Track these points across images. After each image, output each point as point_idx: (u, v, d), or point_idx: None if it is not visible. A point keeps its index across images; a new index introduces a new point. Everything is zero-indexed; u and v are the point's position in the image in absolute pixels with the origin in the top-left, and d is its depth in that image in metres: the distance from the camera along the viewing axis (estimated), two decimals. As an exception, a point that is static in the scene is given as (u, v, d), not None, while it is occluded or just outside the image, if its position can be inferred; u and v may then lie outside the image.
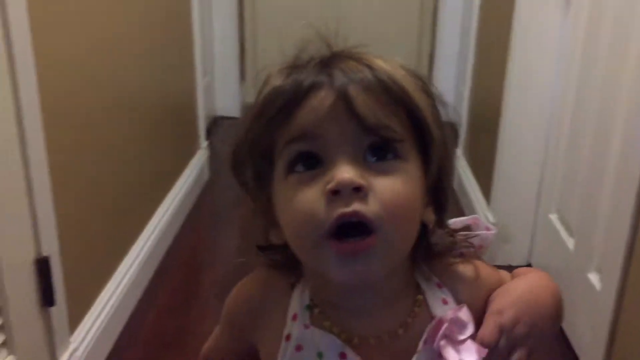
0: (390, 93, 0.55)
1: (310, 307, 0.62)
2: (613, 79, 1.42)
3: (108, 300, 1.58)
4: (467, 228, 0.65)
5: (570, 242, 1.66)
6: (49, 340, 1.30)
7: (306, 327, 0.61)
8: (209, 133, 2.85)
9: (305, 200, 0.53)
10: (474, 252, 0.64)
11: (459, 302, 0.61)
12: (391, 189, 0.53)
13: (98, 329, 1.50)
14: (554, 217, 1.81)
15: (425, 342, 0.58)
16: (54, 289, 1.28)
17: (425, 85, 0.59)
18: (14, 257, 1.16)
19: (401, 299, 0.61)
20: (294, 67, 0.57)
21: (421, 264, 0.62)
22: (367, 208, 0.52)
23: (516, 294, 0.62)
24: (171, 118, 2.22)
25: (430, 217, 0.60)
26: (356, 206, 0.52)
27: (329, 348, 0.59)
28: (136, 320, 1.70)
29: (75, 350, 1.38)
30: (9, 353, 1.16)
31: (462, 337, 0.58)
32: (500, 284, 0.65)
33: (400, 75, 0.56)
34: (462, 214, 2.26)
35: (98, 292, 1.55)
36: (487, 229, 0.65)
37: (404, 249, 0.57)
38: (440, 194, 0.60)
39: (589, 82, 1.57)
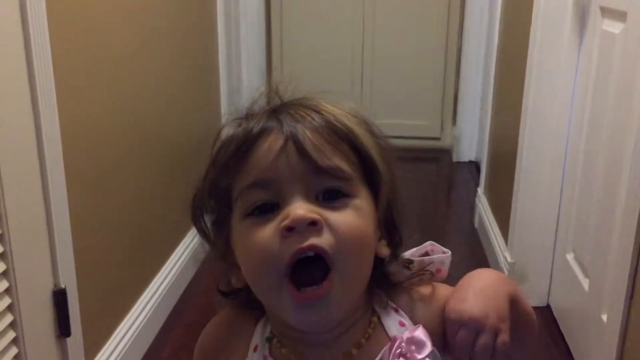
0: (336, 132, 0.58)
1: (269, 339, 0.64)
2: (621, 120, 1.43)
3: (125, 334, 1.61)
4: (425, 254, 0.66)
5: (585, 283, 1.65)
6: (64, 371, 1.34)
7: (264, 358, 0.63)
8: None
9: (260, 239, 0.56)
10: (432, 277, 0.65)
11: (416, 323, 0.62)
12: (344, 221, 0.56)
13: (114, 361, 1.54)
14: (570, 257, 1.80)
15: None
16: (70, 320, 1.32)
17: (370, 126, 0.63)
18: (32, 287, 1.21)
19: (356, 323, 0.62)
20: (245, 117, 0.61)
21: (377, 291, 0.64)
22: (323, 241, 0.55)
23: (471, 289, 0.62)
24: (194, 158, 2.28)
25: (384, 250, 0.62)
26: (312, 240, 0.54)
27: None
28: (152, 355, 1.73)
29: (90, 381, 1.42)
30: (24, 382, 1.20)
31: (419, 357, 0.59)
32: (445, 297, 0.65)
33: (345, 116, 0.60)
34: (482, 252, 2.25)
35: (115, 326, 1.59)
36: (443, 252, 0.66)
37: (360, 285, 0.59)
38: (391, 228, 0.62)
39: (600, 123, 1.58)
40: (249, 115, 0.61)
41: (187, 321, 1.89)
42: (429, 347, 0.59)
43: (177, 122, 2.08)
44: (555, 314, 1.92)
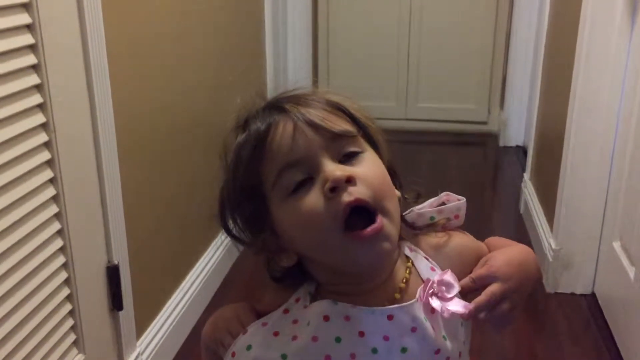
0: (333, 106, 0.68)
1: (312, 295, 0.71)
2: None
3: (174, 308, 1.68)
4: (442, 204, 0.74)
5: (631, 272, 1.63)
6: (117, 343, 1.41)
7: (305, 307, 0.69)
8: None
9: (310, 205, 0.63)
10: (449, 222, 0.73)
11: (443, 268, 0.70)
12: (368, 172, 0.65)
13: (163, 336, 1.60)
14: (617, 245, 1.77)
15: (418, 300, 0.68)
16: (123, 294, 1.38)
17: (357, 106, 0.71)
18: (87, 263, 1.28)
19: (395, 270, 0.70)
20: (245, 122, 0.70)
21: (407, 241, 0.72)
22: (363, 193, 0.63)
23: (515, 262, 0.71)
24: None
25: (397, 193, 0.70)
26: (357, 194, 0.63)
27: (315, 314, 0.68)
28: (199, 332, 1.78)
29: (140, 353, 1.49)
30: (79, 352, 1.27)
31: (449, 296, 0.67)
32: (475, 247, 0.75)
33: (335, 94, 0.70)
34: (526, 238, 2.23)
35: (165, 301, 1.66)
36: (458, 199, 0.74)
37: (397, 221, 0.67)
38: (394, 175, 0.72)
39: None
40: (249, 118, 0.69)
41: (234, 297, 1.95)
42: (457, 288, 0.67)
43: (225, 102, 2.12)
44: (600, 302, 1.90)
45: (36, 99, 1.10)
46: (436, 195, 0.75)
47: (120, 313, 1.39)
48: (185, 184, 1.78)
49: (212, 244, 2.01)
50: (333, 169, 0.63)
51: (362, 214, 0.63)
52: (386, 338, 0.67)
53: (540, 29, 2.66)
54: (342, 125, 0.66)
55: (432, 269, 0.70)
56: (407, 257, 0.71)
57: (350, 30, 3.55)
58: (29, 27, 1.07)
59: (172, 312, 1.66)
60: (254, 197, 0.67)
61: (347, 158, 0.65)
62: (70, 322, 1.24)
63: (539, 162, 2.49)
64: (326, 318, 0.67)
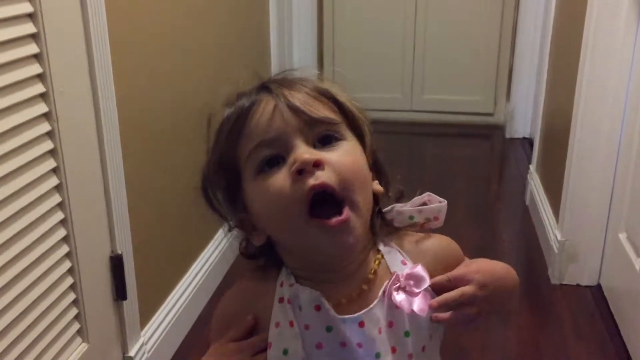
0: (319, 92, 0.68)
1: (291, 275, 0.71)
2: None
3: (178, 299, 1.68)
4: (423, 204, 0.73)
5: (637, 263, 1.62)
6: (121, 332, 1.41)
7: (291, 285, 0.70)
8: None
9: (275, 185, 0.63)
10: (429, 223, 0.73)
11: (414, 262, 0.70)
12: (340, 158, 0.64)
13: (167, 326, 1.60)
14: (623, 237, 1.76)
15: (383, 294, 0.68)
16: (127, 284, 1.39)
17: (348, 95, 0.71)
18: (91, 252, 1.28)
19: (365, 261, 0.70)
20: (236, 99, 0.69)
21: (380, 234, 0.71)
22: (329, 177, 0.63)
23: (495, 274, 0.72)
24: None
25: (378, 188, 0.70)
26: (323, 178, 0.62)
27: (306, 301, 0.68)
28: (203, 321, 1.79)
29: (144, 343, 1.49)
30: (83, 341, 1.28)
31: (417, 290, 0.67)
32: (453, 251, 0.74)
33: (326, 82, 0.70)
34: (532, 230, 2.23)
35: (168, 292, 1.66)
36: (440, 202, 0.73)
37: (366, 213, 0.67)
38: (380, 170, 0.72)
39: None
40: (239, 96, 0.70)
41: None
42: (427, 282, 0.67)
43: (226, 95, 2.12)
44: (605, 293, 1.89)
45: (38, 88, 1.10)
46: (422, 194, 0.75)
47: (124, 303, 1.40)
48: (189, 174, 1.77)
49: (216, 235, 2.01)
50: (303, 151, 0.63)
51: (329, 202, 0.63)
52: (359, 345, 0.67)
53: (547, 20, 2.64)
54: (324, 112, 0.66)
55: (404, 263, 0.70)
56: (379, 250, 0.71)
57: (355, 22, 3.53)
58: (30, 16, 1.07)
59: (176, 302, 1.67)
60: (230, 171, 0.68)
61: (323, 144, 0.65)
62: (74, 312, 1.24)
63: (545, 154, 2.47)
64: (317, 307, 0.68)
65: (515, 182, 2.88)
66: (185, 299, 1.72)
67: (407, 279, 0.67)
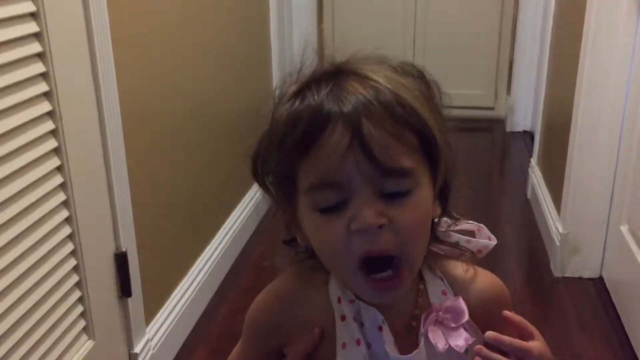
0: (398, 120, 0.58)
1: (346, 290, 0.67)
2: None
3: (182, 295, 1.69)
4: (471, 234, 0.69)
5: (639, 255, 1.63)
6: (126, 329, 1.42)
7: (351, 301, 0.66)
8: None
9: (332, 235, 0.59)
10: (471, 256, 0.68)
11: (456, 294, 0.66)
12: (406, 218, 0.58)
13: (172, 322, 1.61)
14: (625, 229, 1.77)
15: (422, 331, 0.64)
16: (131, 281, 1.39)
17: (428, 92, 0.63)
18: (95, 250, 1.29)
19: (410, 291, 0.66)
20: (303, 87, 0.61)
21: (428, 257, 0.66)
22: (389, 242, 0.58)
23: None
24: (247, 124, 2.32)
25: (437, 210, 0.65)
26: (381, 245, 0.58)
27: (370, 320, 0.65)
28: (208, 317, 1.80)
29: (149, 340, 1.50)
30: (89, 338, 1.28)
31: (453, 325, 0.63)
32: (496, 291, 0.69)
33: (404, 90, 0.59)
34: (534, 223, 2.23)
35: (173, 288, 1.67)
36: (490, 238, 0.68)
37: (421, 260, 0.63)
38: (445, 190, 0.65)
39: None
40: (308, 84, 0.61)
41: (242, 285, 1.96)
42: (465, 318, 0.63)
43: (230, 89, 2.12)
44: (607, 285, 1.90)
45: (42, 87, 1.10)
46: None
47: (129, 300, 1.40)
48: (192, 171, 1.79)
49: (220, 231, 2.02)
50: (367, 212, 0.57)
51: (387, 261, 0.59)
52: None
53: (547, 13, 2.64)
54: (400, 159, 0.57)
55: (444, 293, 0.66)
56: (422, 277, 0.67)
57: (355, 16, 3.53)
58: (33, 15, 1.07)
59: (180, 299, 1.68)
60: (287, 179, 0.61)
61: (391, 195, 0.58)
62: (79, 309, 1.25)
63: (546, 147, 2.48)
64: (380, 328, 0.65)
65: (516, 176, 2.88)
66: (190, 295, 1.72)
67: (445, 312, 0.64)
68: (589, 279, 1.97)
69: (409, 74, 0.63)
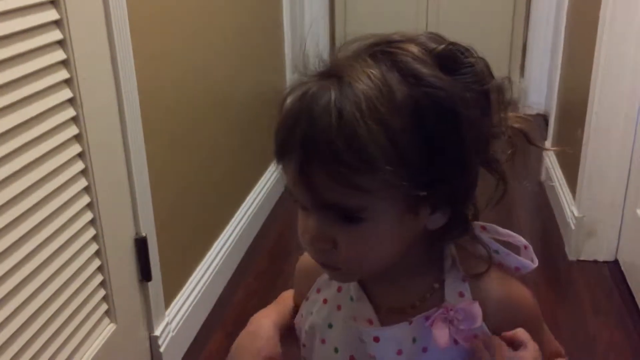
0: (350, 167, 0.54)
1: None
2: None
3: (200, 280, 1.71)
4: (516, 249, 0.67)
5: (655, 238, 1.63)
6: (147, 313, 1.44)
7: (338, 290, 0.70)
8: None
9: (300, 230, 0.61)
10: (509, 270, 0.67)
11: (475, 299, 0.64)
12: (351, 249, 0.59)
13: (190, 305, 1.63)
14: (641, 212, 1.77)
15: (425, 319, 0.63)
16: (151, 265, 1.41)
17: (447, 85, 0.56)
18: (117, 236, 1.30)
19: (421, 280, 0.66)
20: (297, 85, 0.59)
21: (454, 255, 0.66)
22: (335, 261, 0.60)
23: None
24: (261, 112, 2.33)
25: (438, 223, 0.61)
26: (327, 260, 0.61)
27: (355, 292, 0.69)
28: (225, 300, 1.82)
29: (169, 323, 1.52)
30: (111, 322, 1.31)
31: (462, 327, 0.62)
32: (520, 302, 0.67)
33: (376, 126, 0.53)
34: (548, 207, 2.22)
35: (191, 272, 1.69)
36: (532, 260, 0.66)
37: (382, 266, 0.62)
38: (454, 199, 0.60)
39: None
40: (299, 85, 0.59)
41: (257, 269, 1.98)
42: (477, 323, 0.61)
43: (245, 75, 2.13)
44: (623, 268, 1.90)
45: (63, 74, 1.11)
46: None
47: (149, 284, 1.42)
48: (208, 156, 1.80)
49: (236, 214, 2.04)
50: (315, 233, 0.58)
51: None
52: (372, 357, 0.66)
53: (563, -6, 2.61)
54: (347, 199, 0.55)
55: (461, 294, 0.64)
56: (441, 273, 0.65)
57: (367, 6, 3.51)
58: (53, 3, 1.08)
59: (198, 282, 1.70)
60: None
61: (345, 219, 0.57)
62: (101, 293, 1.27)
63: (561, 130, 2.47)
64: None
65: (530, 159, 2.87)
66: (208, 278, 1.75)
67: (457, 312, 0.62)
68: (604, 262, 1.97)
69: (430, 65, 0.56)
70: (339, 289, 0.70)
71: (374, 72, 0.55)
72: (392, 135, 0.53)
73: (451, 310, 0.62)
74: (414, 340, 0.64)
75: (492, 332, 0.64)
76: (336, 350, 0.69)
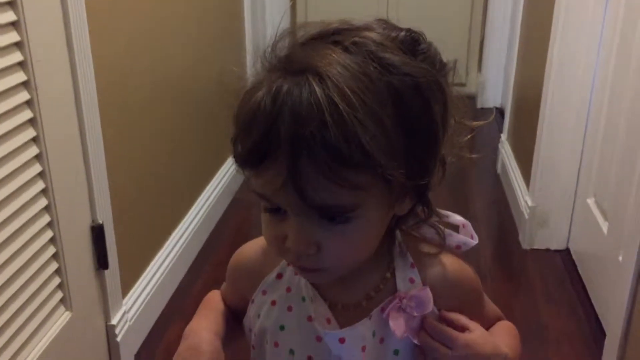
0: (343, 162, 0.51)
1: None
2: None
3: (158, 268, 1.70)
4: (454, 228, 0.68)
5: (604, 226, 1.68)
6: (103, 301, 1.42)
7: (296, 273, 0.68)
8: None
9: (271, 235, 0.59)
10: (451, 249, 0.68)
11: (425, 283, 0.66)
12: (338, 249, 0.57)
13: (149, 294, 1.62)
14: (591, 202, 1.82)
15: (381, 310, 0.64)
16: (108, 253, 1.39)
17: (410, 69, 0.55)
18: (72, 223, 1.28)
19: (373, 270, 0.66)
20: (263, 79, 0.56)
21: (400, 242, 0.67)
22: (317, 263, 0.58)
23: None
24: (221, 101, 2.32)
25: (405, 207, 0.61)
26: (309, 264, 0.59)
27: (309, 293, 0.67)
28: (183, 290, 1.81)
29: (126, 312, 1.50)
30: (66, 310, 1.29)
31: (416, 314, 0.64)
32: (462, 276, 0.69)
33: (358, 95, 0.52)
34: (503, 197, 2.27)
35: (149, 261, 1.67)
36: (472, 237, 0.68)
37: (356, 263, 0.62)
38: (421, 188, 0.60)
39: (626, 70, 1.58)
40: (264, 79, 0.56)
41: (217, 258, 1.97)
42: (428, 309, 0.64)
43: (205, 62, 2.11)
44: (574, 256, 1.96)
45: (17, 56, 1.09)
46: None
47: (106, 272, 1.40)
48: (167, 143, 1.78)
49: (196, 203, 2.03)
50: (299, 237, 0.56)
51: None
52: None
53: (519, -9, 2.67)
54: (338, 197, 0.53)
55: (411, 280, 0.66)
56: (391, 261, 0.66)
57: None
58: (6, -17, 1.05)
59: (157, 271, 1.68)
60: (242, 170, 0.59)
61: (330, 219, 0.56)
62: (57, 281, 1.25)
63: (516, 123, 2.52)
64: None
65: (486, 151, 2.93)
66: (166, 267, 1.73)
67: (409, 299, 0.64)
68: (555, 250, 2.03)
69: (391, 50, 0.56)
70: (288, 289, 0.68)
71: (348, 62, 0.53)
72: (382, 126, 0.52)
73: (404, 298, 0.64)
74: (374, 334, 0.65)
75: (438, 309, 0.66)
76: (292, 352, 0.68)
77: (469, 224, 0.69)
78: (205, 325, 0.71)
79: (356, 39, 0.56)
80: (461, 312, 0.68)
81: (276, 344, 0.68)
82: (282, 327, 0.68)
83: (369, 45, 0.55)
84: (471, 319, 0.67)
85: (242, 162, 0.56)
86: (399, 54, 0.56)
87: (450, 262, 0.68)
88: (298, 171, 0.52)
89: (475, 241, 0.68)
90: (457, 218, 0.69)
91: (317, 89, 0.51)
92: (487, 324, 0.73)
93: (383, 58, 0.54)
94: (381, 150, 0.52)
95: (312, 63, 0.53)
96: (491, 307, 0.76)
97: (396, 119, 0.54)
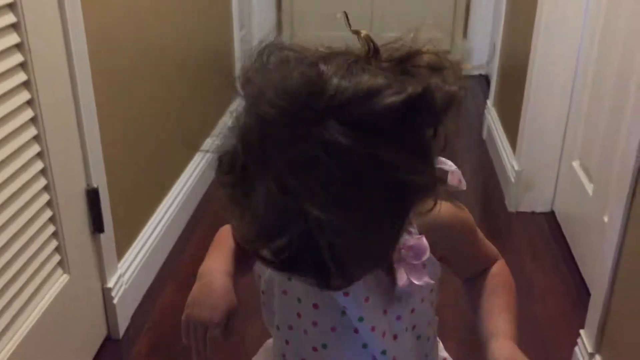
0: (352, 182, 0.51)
1: None
2: (634, 31, 1.45)
3: (153, 231, 1.71)
4: (444, 173, 0.69)
5: (589, 188, 1.72)
6: (99, 264, 1.44)
7: None
8: (246, 83, 2.93)
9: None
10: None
11: (420, 231, 0.68)
12: None
13: (143, 257, 1.64)
14: (576, 165, 1.86)
15: None
16: (103, 217, 1.41)
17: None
18: (68, 186, 1.29)
19: None
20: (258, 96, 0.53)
21: None
22: None
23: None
24: (209, 69, 2.31)
25: None
26: None
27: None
28: (177, 253, 1.83)
29: (122, 275, 1.52)
30: (64, 272, 1.30)
31: (415, 262, 0.67)
32: (462, 225, 0.73)
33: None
34: (489, 162, 2.30)
35: (143, 224, 1.69)
36: (460, 182, 0.69)
37: None
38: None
39: (613, 34, 1.61)
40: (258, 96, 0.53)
41: (209, 221, 1.98)
42: (426, 256, 0.67)
43: (194, 34, 2.10)
44: (558, 219, 2.01)
45: (9, 18, 1.08)
46: None
47: (102, 235, 1.42)
48: (159, 108, 1.78)
49: (189, 166, 2.04)
50: None
51: None
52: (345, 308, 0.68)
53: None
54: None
55: (409, 232, 0.67)
56: None
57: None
58: (-1, -57, 1.04)
59: (151, 234, 1.70)
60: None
61: None
62: (54, 244, 1.26)
63: (502, 89, 2.55)
64: None
65: (472, 118, 2.96)
66: (160, 231, 1.75)
67: (407, 249, 0.66)
68: (540, 213, 2.08)
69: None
70: None
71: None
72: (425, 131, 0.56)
73: (402, 249, 0.66)
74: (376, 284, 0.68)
75: (432, 252, 0.68)
76: (299, 300, 0.71)
77: (459, 170, 0.70)
78: (217, 266, 0.75)
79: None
80: (456, 251, 0.73)
81: (285, 292, 0.72)
82: (290, 278, 0.70)
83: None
84: (467, 258, 0.74)
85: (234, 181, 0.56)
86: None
87: (444, 208, 0.67)
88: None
89: (463, 187, 0.69)
90: (448, 164, 0.69)
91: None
92: (484, 263, 0.80)
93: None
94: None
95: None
96: (488, 246, 0.81)
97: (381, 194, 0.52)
